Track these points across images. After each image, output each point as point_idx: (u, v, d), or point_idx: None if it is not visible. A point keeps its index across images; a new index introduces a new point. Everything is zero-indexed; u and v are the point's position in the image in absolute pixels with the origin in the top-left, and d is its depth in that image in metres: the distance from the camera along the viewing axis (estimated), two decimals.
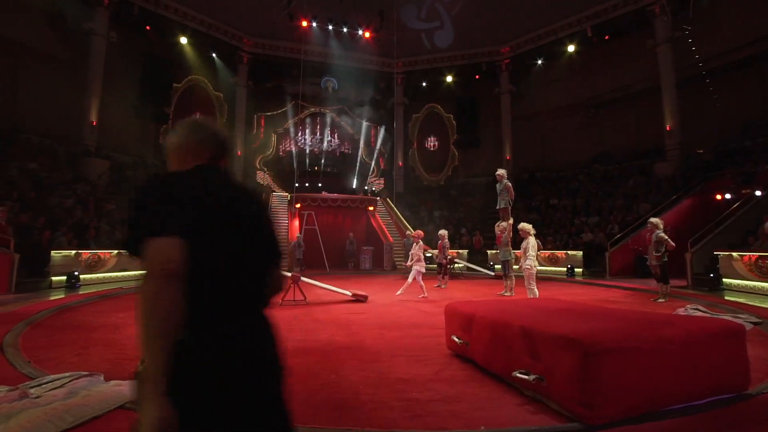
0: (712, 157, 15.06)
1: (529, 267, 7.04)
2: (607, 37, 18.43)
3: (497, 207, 9.13)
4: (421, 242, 8.61)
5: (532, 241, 7.13)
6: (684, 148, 15.94)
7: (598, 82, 19.58)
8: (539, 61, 20.37)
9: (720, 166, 14.06)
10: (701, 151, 15.94)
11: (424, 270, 8.43)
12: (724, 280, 8.80)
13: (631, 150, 18.65)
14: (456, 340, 3.81)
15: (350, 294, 7.95)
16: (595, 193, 16.75)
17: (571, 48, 18.94)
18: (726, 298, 7.70)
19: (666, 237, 7.26)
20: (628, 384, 2.42)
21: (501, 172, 8.97)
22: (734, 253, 8.67)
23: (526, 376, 2.78)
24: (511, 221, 8.78)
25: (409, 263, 8.71)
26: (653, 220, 7.58)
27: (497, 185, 8.99)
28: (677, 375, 2.56)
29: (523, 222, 7.56)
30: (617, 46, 18.58)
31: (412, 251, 8.55)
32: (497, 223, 9.03)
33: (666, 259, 7.33)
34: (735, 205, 11.04)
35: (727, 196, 12.45)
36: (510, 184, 8.90)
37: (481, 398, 2.99)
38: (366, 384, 3.28)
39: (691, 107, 16.28)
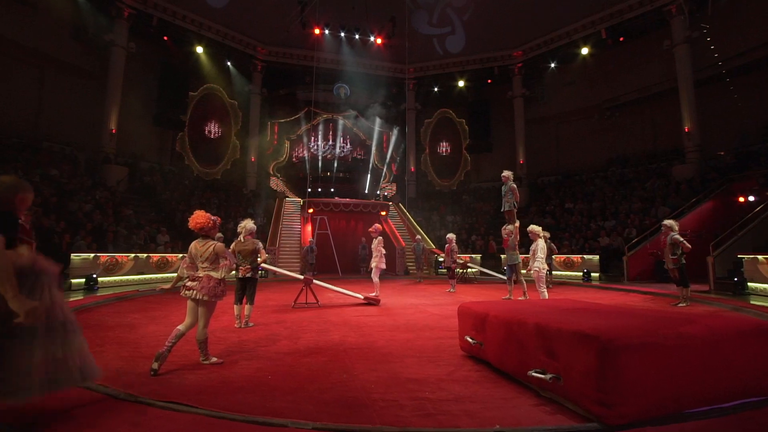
0: (733, 158, 14.66)
1: (537, 269, 6.85)
2: (622, 39, 18.17)
3: (502, 210, 8.98)
4: (381, 238, 8.37)
5: (541, 244, 6.95)
6: (703, 150, 15.54)
7: (614, 84, 19.32)
8: (553, 64, 20.19)
9: (742, 167, 13.66)
10: (722, 152, 15.52)
11: (383, 266, 8.28)
12: (748, 284, 8.47)
13: (648, 152, 18.30)
14: (469, 340, 3.74)
15: (362, 297, 7.92)
16: (611, 197, 16.42)
17: (585, 50, 18.72)
18: (752, 302, 7.40)
19: (681, 239, 7.03)
20: (648, 382, 2.33)
21: (506, 173, 8.78)
22: (760, 256, 8.35)
23: (542, 375, 2.70)
24: (517, 224, 8.63)
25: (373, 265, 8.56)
26: (667, 222, 7.35)
27: (503, 187, 8.83)
28: (701, 375, 2.45)
29: (533, 225, 7.42)
30: (633, 47, 18.31)
31: (372, 246, 8.33)
32: (503, 227, 8.90)
33: (684, 261, 7.09)
34: (759, 207, 10.66)
35: (750, 198, 12.05)
36: (515, 186, 8.70)
37: (495, 398, 2.91)
38: (377, 383, 3.24)
39: (710, 108, 15.90)
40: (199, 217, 3.79)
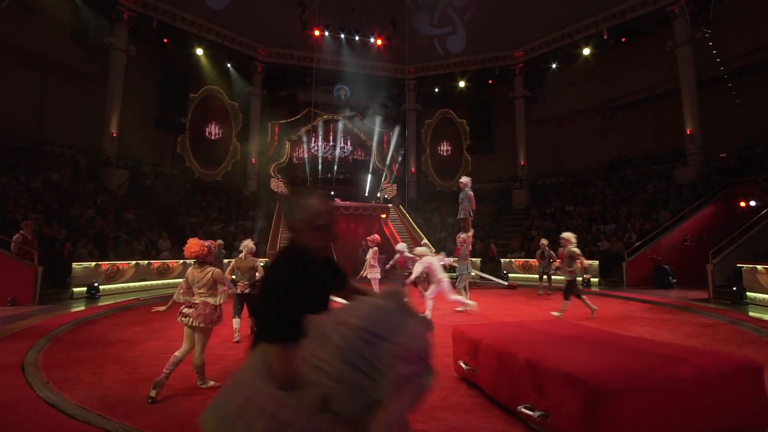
0: (736, 161, 14.55)
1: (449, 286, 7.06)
2: (624, 39, 18.03)
3: (458, 217, 8.92)
4: (376, 248, 8.43)
5: (436, 264, 7.13)
6: (705, 153, 15.46)
7: (616, 85, 19.20)
8: (554, 65, 20.06)
9: (744, 170, 13.57)
10: (724, 155, 15.44)
11: (378, 276, 8.39)
12: (748, 293, 8.45)
13: (650, 154, 18.20)
14: (463, 366, 3.78)
15: None
16: (612, 200, 16.37)
17: (586, 51, 18.57)
18: (750, 314, 7.39)
19: (579, 252, 7.04)
20: (635, 426, 2.35)
21: (465, 180, 8.67)
22: (759, 266, 8.33)
23: (530, 413, 2.73)
24: (471, 233, 8.57)
25: (364, 273, 8.61)
26: (565, 235, 7.33)
27: (460, 194, 8.67)
28: (690, 416, 2.47)
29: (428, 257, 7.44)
30: (635, 47, 18.17)
31: (367, 257, 8.41)
32: (458, 235, 8.85)
33: (577, 276, 7.03)
34: (761, 213, 10.60)
35: (752, 203, 11.99)
36: (472, 193, 8.57)
37: (486, 430, 2.95)
38: None
39: (712, 110, 15.78)
40: (193, 246, 3.84)
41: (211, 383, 3.87)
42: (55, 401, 3.35)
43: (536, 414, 2.69)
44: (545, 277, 11.00)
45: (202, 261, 3.87)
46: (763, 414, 2.65)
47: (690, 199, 13.60)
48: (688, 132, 15.58)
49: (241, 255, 6.00)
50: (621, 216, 14.73)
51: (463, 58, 21.70)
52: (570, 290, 7.16)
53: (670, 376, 2.48)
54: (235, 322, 5.81)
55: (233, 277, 5.86)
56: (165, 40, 17.93)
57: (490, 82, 22.05)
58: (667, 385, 2.44)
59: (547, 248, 10.36)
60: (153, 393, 3.46)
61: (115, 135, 16.03)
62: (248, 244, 6.10)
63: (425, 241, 14.83)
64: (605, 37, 17.80)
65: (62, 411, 3.18)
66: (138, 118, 17.55)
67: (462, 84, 21.94)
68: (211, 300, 3.77)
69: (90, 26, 15.71)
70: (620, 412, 2.34)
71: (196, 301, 3.76)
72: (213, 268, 3.88)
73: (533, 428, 2.86)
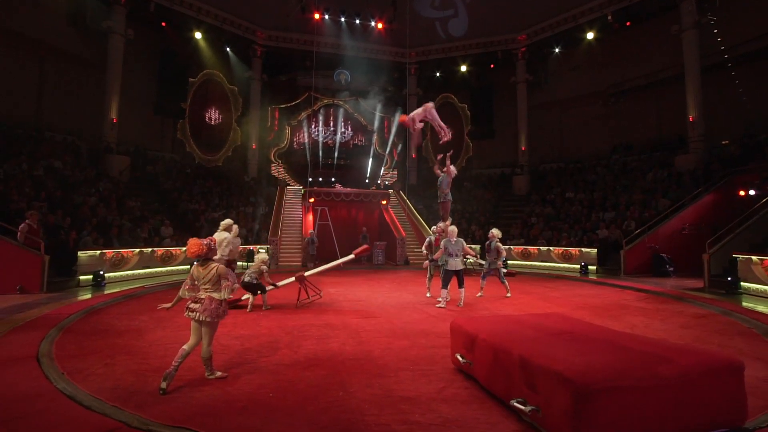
0: (738, 149, 14.50)
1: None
2: (629, 23, 17.74)
3: (439, 201, 9.18)
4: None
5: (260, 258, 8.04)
6: (707, 140, 15.39)
7: (619, 70, 18.99)
8: (557, 49, 19.79)
9: (746, 159, 13.54)
10: (726, 142, 15.37)
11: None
12: (742, 283, 8.59)
13: (652, 140, 18.13)
14: (460, 359, 3.93)
15: (353, 256, 8.46)
16: (612, 187, 16.39)
17: (590, 35, 18.31)
18: (743, 304, 7.54)
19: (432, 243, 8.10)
20: (621, 422, 2.50)
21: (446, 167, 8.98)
22: (753, 257, 8.44)
23: (522, 407, 2.88)
24: (448, 222, 8.54)
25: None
26: (441, 225, 8.02)
27: (437, 180, 8.99)
28: (673, 412, 2.61)
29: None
30: (639, 32, 17.89)
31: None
32: (437, 224, 8.94)
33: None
34: (758, 204, 10.65)
35: (751, 192, 12.02)
36: (449, 180, 8.94)
37: (480, 422, 3.11)
38: (371, 403, 3.44)
39: (716, 97, 15.64)
40: (192, 246, 3.91)
41: (218, 374, 4.04)
42: (71, 393, 3.51)
43: (528, 408, 2.84)
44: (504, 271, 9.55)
45: (205, 258, 3.98)
46: (741, 409, 2.80)
47: (690, 188, 13.62)
48: (691, 119, 15.48)
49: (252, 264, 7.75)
50: (621, 203, 14.79)
51: (464, 42, 21.39)
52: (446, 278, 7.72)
53: (655, 375, 2.61)
54: (251, 298, 7.49)
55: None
56: (163, 24, 17.69)
57: (492, 66, 21.81)
58: (652, 384, 2.58)
59: (495, 239, 8.61)
60: (164, 384, 3.62)
61: (115, 121, 15.98)
62: (261, 256, 7.68)
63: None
64: (610, 20, 17.49)
65: (79, 402, 3.33)
66: (137, 103, 17.49)
67: (463, 68, 21.69)
68: (216, 295, 3.90)
69: (87, 9, 15.49)
70: (606, 409, 2.48)
71: (202, 297, 3.88)
72: (217, 264, 3.99)
73: (526, 420, 3.02)
